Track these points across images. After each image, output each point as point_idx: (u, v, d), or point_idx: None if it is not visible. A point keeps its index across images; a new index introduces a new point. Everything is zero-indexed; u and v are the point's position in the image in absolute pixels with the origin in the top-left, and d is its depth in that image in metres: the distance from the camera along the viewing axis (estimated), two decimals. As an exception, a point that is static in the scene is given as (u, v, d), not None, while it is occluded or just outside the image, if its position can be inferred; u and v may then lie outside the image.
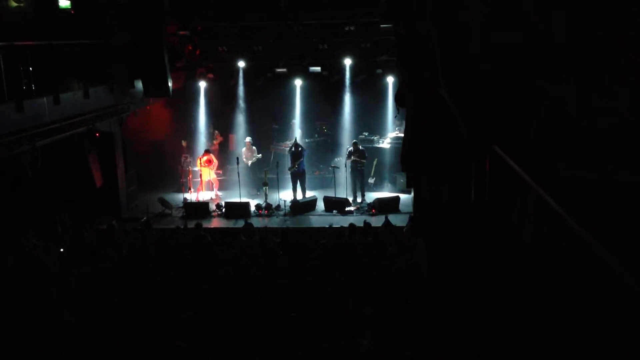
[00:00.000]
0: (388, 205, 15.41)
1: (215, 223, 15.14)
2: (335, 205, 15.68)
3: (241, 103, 18.62)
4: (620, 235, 1.77)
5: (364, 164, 16.34)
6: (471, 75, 3.64)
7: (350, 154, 16.28)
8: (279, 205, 15.83)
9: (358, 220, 13.83)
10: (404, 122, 11.84)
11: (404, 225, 12.92)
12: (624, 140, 1.72)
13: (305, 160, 16.61)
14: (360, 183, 16.37)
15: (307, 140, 18.16)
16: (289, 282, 8.88)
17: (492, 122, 3.58)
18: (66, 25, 13.14)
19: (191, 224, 13.48)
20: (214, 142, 18.58)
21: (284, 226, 14.39)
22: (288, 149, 16.85)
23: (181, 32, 16.55)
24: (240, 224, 14.02)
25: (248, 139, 17.52)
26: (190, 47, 17.30)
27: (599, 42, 2.01)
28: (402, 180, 16.33)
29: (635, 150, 1.67)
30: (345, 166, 16.54)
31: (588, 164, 2.06)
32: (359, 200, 16.23)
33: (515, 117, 3.19)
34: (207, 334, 7.28)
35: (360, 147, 16.43)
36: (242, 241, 11.77)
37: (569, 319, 2.39)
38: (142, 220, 14.71)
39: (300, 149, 16.41)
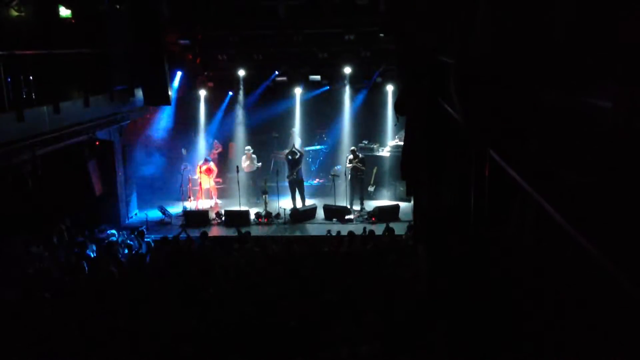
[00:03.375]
0: (388, 213, 15.41)
1: (215, 231, 15.13)
2: (335, 213, 15.68)
3: (241, 111, 18.65)
4: (620, 241, 1.77)
5: (364, 172, 16.35)
6: (475, 79, 3.65)
7: (350, 160, 16.32)
8: (278, 214, 15.84)
9: (358, 228, 13.83)
10: (403, 131, 11.85)
11: (404, 233, 12.92)
12: (622, 144, 1.73)
13: (303, 167, 16.63)
14: (359, 191, 16.36)
15: (306, 148, 18.20)
16: (290, 290, 8.87)
17: (493, 125, 3.60)
18: (66, 34, 13.18)
19: (192, 233, 13.47)
20: (213, 151, 18.60)
21: (284, 234, 14.39)
22: (284, 156, 16.87)
23: (181, 41, 16.61)
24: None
25: (248, 148, 17.54)
26: (190, 56, 17.37)
27: (600, 44, 2.01)
28: (401, 188, 16.33)
29: (633, 154, 1.68)
30: (345, 174, 16.56)
31: (588, 167, 2.06)
32: (357, 208, 16.20)
33: (515, 123, 3.20)
34: (206, 342, 7.26)
35: (360, 154, 16.47)
36: (236, 249, 11.77)
37: (568, 325, 2.39)
38: (140, 229, 14.71)
39: (298, 155, 16.42)
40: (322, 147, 19.04)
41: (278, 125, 19.09)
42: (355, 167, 16.12)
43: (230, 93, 18.47)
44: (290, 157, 16.43)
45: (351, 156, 16.35)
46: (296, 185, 16.42)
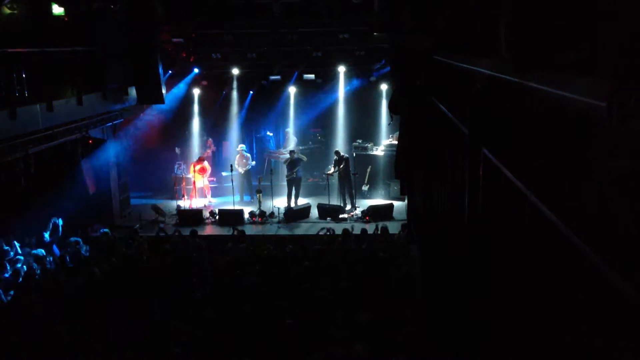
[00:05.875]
0: (382, 213, 15.41)
1: (209, 230, 15.11)
2: (329, 212, 15.67)
3: (235, 110, 18.63)
4: (616, 241, 1.77)
5: (350, 171, 16.25)
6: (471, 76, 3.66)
7: (336, 162, 16.29)
8: (272, 213, 15.82)
9: (352, 227, 13.80)
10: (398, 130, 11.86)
11: (398, 232, 12.92)
12: (616, 143, 1.73)
13: (301, 167, 16.67)
14: (349, 190, 16.32)
15: (301, 147, 18.18)
16: (283, 289, 8.86)
17: (489, 122, 3.60)
18: (60, 32, 13.12)
19: (185, 231, 13.43)
20: (207, 149, 18.56)
21: (278, 233, 14.38)
22: (284, 160, 16.91)
23: (175, 39, 16.56)
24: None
25: (241, 146, 17.51)
26: (184, 54, 17.31)
27: (597, 43, 2.01)
28: (395, 187, 16.34)
29: (627, 153, 1.68)
30: (332, 174, 16.57)
31: (583, 167, 2.06)
32: (348, 207, 16.15)
33: (510, 122, 3.20)
34: (202, 340, 7.25)
35: (344, 155, 16.41)
36: (230, 248, 11.76)
37: (564, 328, 2.39)
38: (135, 227, 14.66)
39: (296, 157, 16.49)
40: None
41: (273, 124, 19.07)
42: (341, 169, 16.09)
43: (224, 92, 18.44)
44: (288, 155, 16.52)
45: (336, 157, 16.34)
46: (294, 184, 16.45)
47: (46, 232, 13.00)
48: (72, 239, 12.44)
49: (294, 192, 16.50)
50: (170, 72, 16.58)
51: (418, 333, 7.08)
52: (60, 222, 13.47)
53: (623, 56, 1.74)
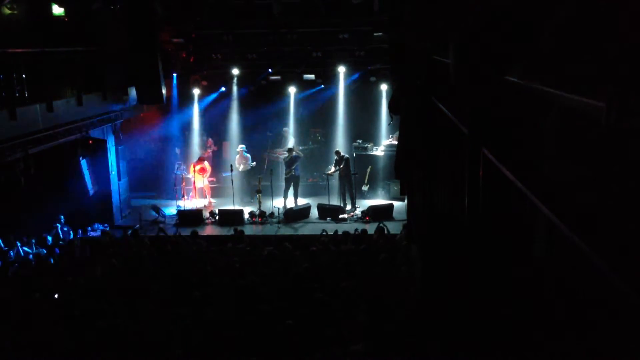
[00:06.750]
0: (382, 213, 15.41)
1: (209, 230, 15.11)
2: (329, 212, 15.67)
3: (235, 110, 18.63)
4: (615, 240, 1.78)
5: (350, 171, 16.27)
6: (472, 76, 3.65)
7: (336, 162, 16.29)
8: (272, 213, 15.81)
9: (352, 227, 13.80)
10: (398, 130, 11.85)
11: (398, 232, 12.90)
12: (614, 144, 1.73)
13: (299, 164, 16.68)
14: (349, 190, 16.33)
15: (301, 147, 18.17)
16: (283, 289, 8.86)
17: (489, 124, 3.60)
18: (60, 32, 13.13)
19: (185, 232, 13.43)
20: (207, 149, 18.56)
21: (278, 234, 14.39)
22: (283, 157, 16.92)
23: (175, 40, 16.57)
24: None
25: (240, 146, 17.51)
26: (184, 55, 17.32)
27: (599, 44, 2.01)
28: (395, 187, 16.35)
29: (624, 153, 1.68)
30: (332, 174, 16.58)
31: (582, 167, 2.06)
32: (348, 207, 16.16)
33: (509, 122, 3.20)
34: (201, 341, 7.25)
35: (345, 155, 16.42)
36: (230, 248, 11.75)
37: (564, 327, 2.39)
38: (135, 228, 14.67)
39: (294, 154, 16.50)
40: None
41: (272, 124, 19.06)
42: (341, 169, 16.10)
43: (223, 89, 18.44)
44: (287, 153, 16.54)
45: (337, 158, 16.35)
46: (292, 181, 16.46)
47: (47, 233, 13.01)
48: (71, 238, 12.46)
49: (292, 190, 16.51)
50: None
51: (418, 333, 7.08)
52: (61, 221, 13.49)
53: (623, 56, 1.74)
